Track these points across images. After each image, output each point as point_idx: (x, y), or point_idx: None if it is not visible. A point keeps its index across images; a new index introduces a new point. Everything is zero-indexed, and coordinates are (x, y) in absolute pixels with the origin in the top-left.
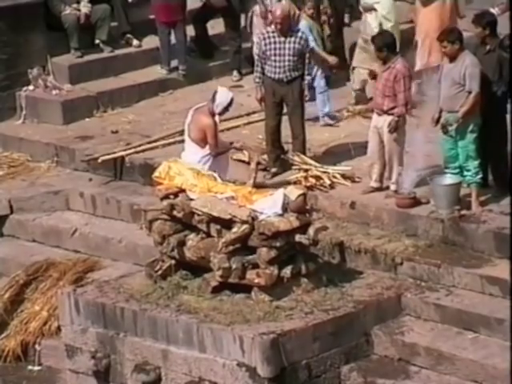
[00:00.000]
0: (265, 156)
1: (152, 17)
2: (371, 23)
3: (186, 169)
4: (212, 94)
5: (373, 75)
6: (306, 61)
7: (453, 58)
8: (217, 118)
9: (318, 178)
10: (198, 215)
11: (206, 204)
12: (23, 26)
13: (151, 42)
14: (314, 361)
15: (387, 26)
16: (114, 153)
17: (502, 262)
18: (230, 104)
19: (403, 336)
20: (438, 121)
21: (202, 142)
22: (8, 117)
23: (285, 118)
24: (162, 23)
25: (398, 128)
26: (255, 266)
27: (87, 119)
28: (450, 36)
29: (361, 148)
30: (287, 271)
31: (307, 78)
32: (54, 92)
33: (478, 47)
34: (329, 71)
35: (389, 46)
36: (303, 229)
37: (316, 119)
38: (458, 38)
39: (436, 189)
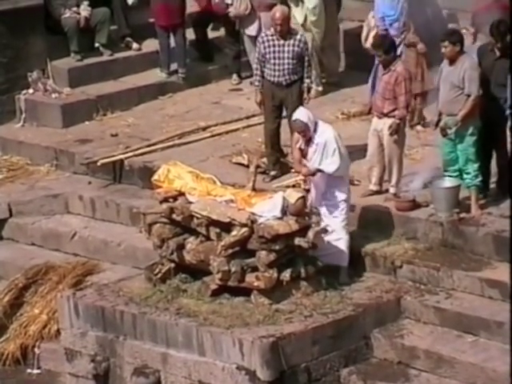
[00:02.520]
0: (264, 159)
1: (152, 20)
2: (296, 17)
3: (186, 172)
4: None
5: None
6: None
7: (452, 61)
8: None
9: None
10: (198, 218)
11: (205, 207)
12: (23, 30)
13: (151, 45)
14: (314, 364)
15: (311, 19)
16: (114, 156)
17: (501, 264)
18: (294, 121)
19: (403, 339)
20: (437, 124)
21: None
22: (7, 120)
23: (284, 122)
24: (162, 27)
25: (398, 131)
26: (254, 269)
27: (87, 122)
28: (452, 37)
29: (359, 151)
30: (287, 274)
31: None
32: (53, 95)
33: (486, 54)
34: None
35: (389, 49)
36: (302, 232)
37: None
38: (459, 40)
39: (435, 192)
